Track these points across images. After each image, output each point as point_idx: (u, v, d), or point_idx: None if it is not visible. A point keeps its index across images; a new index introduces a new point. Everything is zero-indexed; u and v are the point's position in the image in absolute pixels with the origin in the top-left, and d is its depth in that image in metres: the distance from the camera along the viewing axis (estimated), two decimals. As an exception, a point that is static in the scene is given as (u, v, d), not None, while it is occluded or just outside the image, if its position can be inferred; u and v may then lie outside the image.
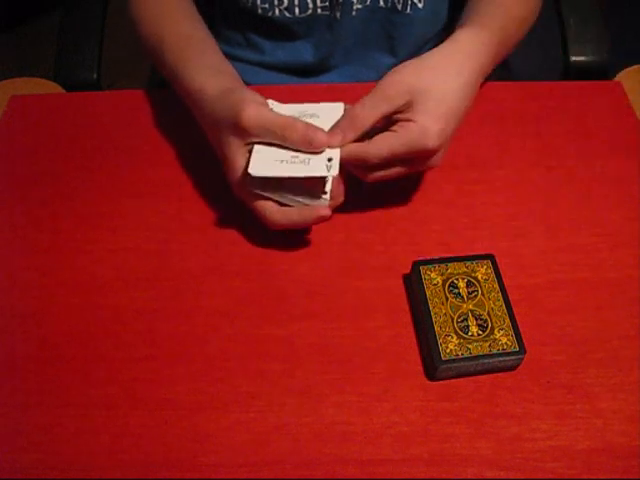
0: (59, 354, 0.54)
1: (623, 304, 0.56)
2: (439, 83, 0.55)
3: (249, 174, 0.54)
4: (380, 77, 0.82)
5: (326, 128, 0.56)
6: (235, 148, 0.56)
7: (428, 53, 0.58)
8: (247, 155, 0.55)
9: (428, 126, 0.54)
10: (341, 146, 0.55)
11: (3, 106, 0.72)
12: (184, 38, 0.67)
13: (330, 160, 0.55)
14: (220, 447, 0.49)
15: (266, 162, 0.54)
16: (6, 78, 0.78)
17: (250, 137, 0.55)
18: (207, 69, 0.63)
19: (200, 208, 0.63)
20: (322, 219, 0.56)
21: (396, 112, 0.55)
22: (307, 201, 0.56)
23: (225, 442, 0.49)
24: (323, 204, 0.56)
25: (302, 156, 0.55)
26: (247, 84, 0.83)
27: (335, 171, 0.54)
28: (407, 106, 0.55)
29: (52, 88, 0.77)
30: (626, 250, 0.60)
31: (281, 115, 0.55)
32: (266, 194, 0.56)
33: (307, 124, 0.54)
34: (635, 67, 0.76)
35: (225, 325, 0.55)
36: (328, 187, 0.55)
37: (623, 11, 1.77)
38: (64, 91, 0.77)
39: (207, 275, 0.58)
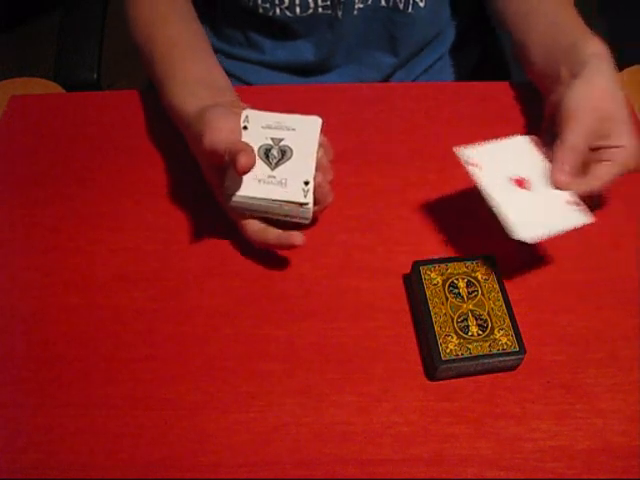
0: (59, 354, 0.54)
1: (623, 304, 0.56)
2: (614, 99, 0.58)
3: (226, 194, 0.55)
4: (381, 77, 0.82)
5: (301, 142, 0.57)
6: (208, 170, 0.57)
7: (585, 74, 0.59)
8: (222, 173, 0.56)
9: (635, 144, 0.57)
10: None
11: (3, 106, 0.72)
12: (172, 48, 0.67)
13: (307, 184, 0.55)
14: (220, 447, 0.49)
15: (242, 181, 0.55)
16: (6, 78, 0.78)
17: (211, 161, 0.56)
18: (190, 85, 0.63)
19: (200, 208, 0.63)
20: (296, 247, 0.56)
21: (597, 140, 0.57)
22: (290, 213, 0.56)
23: (225, 442, 0.49)
24: (306, 215, 0.56)
25: (279, 176, 0.55)
26: (248, 84, 0.83)
27: (311, 198, 0.55)
28: (606, 132, 0.57)
29: (52, 88, 0.77)
30: (626, 250, 0.60)
31: (230, 142, 0.54)
32: (247, 211, 0.56)
33: (247, 152, 0.53)
34: (635, 67, 0.76)
35: (225, 325, 0.55)
36: (309, 197, 0.55)
37: (623, 11, 1.78)
38: (64, 91, 0.77)
39: (207, 275, 0.58)
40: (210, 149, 0.54)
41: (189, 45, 0.67)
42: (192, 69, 0.65)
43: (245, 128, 0.57)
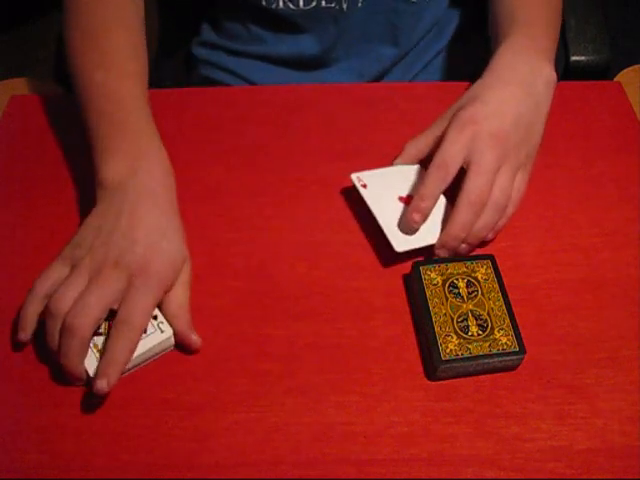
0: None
1: (623, 304, 0.56)
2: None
3: None
4: (381, 69, 0.82)
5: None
6: None
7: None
8: None
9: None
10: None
11: (3, 106, 0.72)
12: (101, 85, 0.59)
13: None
14: (220, 447, 0.49)
15: None
16: (6, 78, 0.78)
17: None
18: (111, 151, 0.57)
19: (200, 208, 0.63)
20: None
21: None
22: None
23: (225, 442, 0.49)
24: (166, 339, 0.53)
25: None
26: (248, 80, 0.83)
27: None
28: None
29: (52, 88, 0.77)
30: (626, 250, 0.60)
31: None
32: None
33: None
34: (635, 67, 0.77)
35: (225, 325, 0.55)
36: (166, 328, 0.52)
37: (623, 11, 1.78)
38: (64, 91, 0.77)
39: (207, 275, 0.58)
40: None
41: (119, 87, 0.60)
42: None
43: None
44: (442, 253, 0.57)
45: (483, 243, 0.60)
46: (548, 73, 0.60)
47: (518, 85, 0.59)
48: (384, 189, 0.60)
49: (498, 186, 0.55)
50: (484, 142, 0.55)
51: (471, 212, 0.54)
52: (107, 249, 0.51)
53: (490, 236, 0.58)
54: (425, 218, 0.56)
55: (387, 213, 0.58)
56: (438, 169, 0.55)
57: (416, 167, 0.62)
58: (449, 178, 0.55)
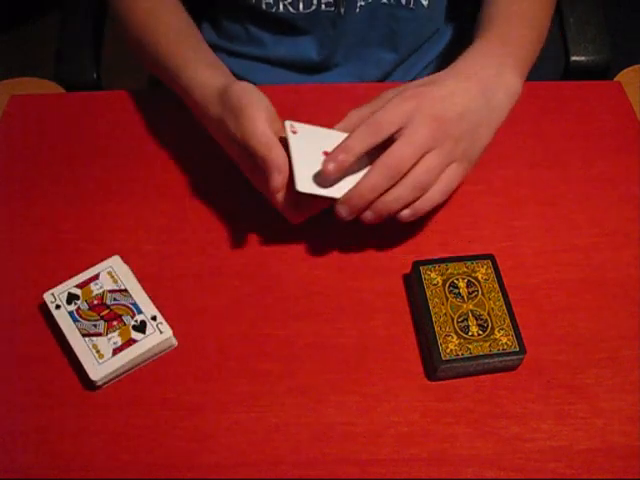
0: (59, 354, 0.54)
1: (623, 304, 0.56)
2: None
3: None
4: (381, 74, 0.82)
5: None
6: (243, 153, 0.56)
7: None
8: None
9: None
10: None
11: (3, 106, 0.72)
12: (177, 35, 0.66)
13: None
14: (220, 447, 0.49)
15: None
16: (6, 78, 0.78)
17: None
18: (209, 63, 0.63)
19: (200, 208, 0.63)
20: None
21: None
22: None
23: (225, 442, 0.49)
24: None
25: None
26: (248, 82, 0.83)
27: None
28: None
29: (52, 88, 0.77)
30: (626, 250, 0.60)
31: (265, 147, 0.54)
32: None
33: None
34: (635, 67, 0.76)
35: (225, 325, 0.55)
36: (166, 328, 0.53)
37: (623, 11, 1.78)
38: (64, 91, 0.77)
39: (207, 275, 0.58)
40: (245, 143, 0.54)
41: (193, 35, 0.67)
42: (202, 54, 0.64)
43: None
44: (343, 211, 0.54)
45: (482, 242, 0.60)
46: (513, 84, 0.58)
47: (476, 84, 0.56)
48: (313, 141, 0.56)
49: (424, 165, 0.52)
50: (423, 119, 0.52)
51: (385, 176, 0.52)
52: None
53: (405, 214, 0.54)
54: (339, 172, 0.52)
55: (304, 158, 0.54)
56: (368, 126, 0.53)
57: None
58: (377, 139, 0.52)
